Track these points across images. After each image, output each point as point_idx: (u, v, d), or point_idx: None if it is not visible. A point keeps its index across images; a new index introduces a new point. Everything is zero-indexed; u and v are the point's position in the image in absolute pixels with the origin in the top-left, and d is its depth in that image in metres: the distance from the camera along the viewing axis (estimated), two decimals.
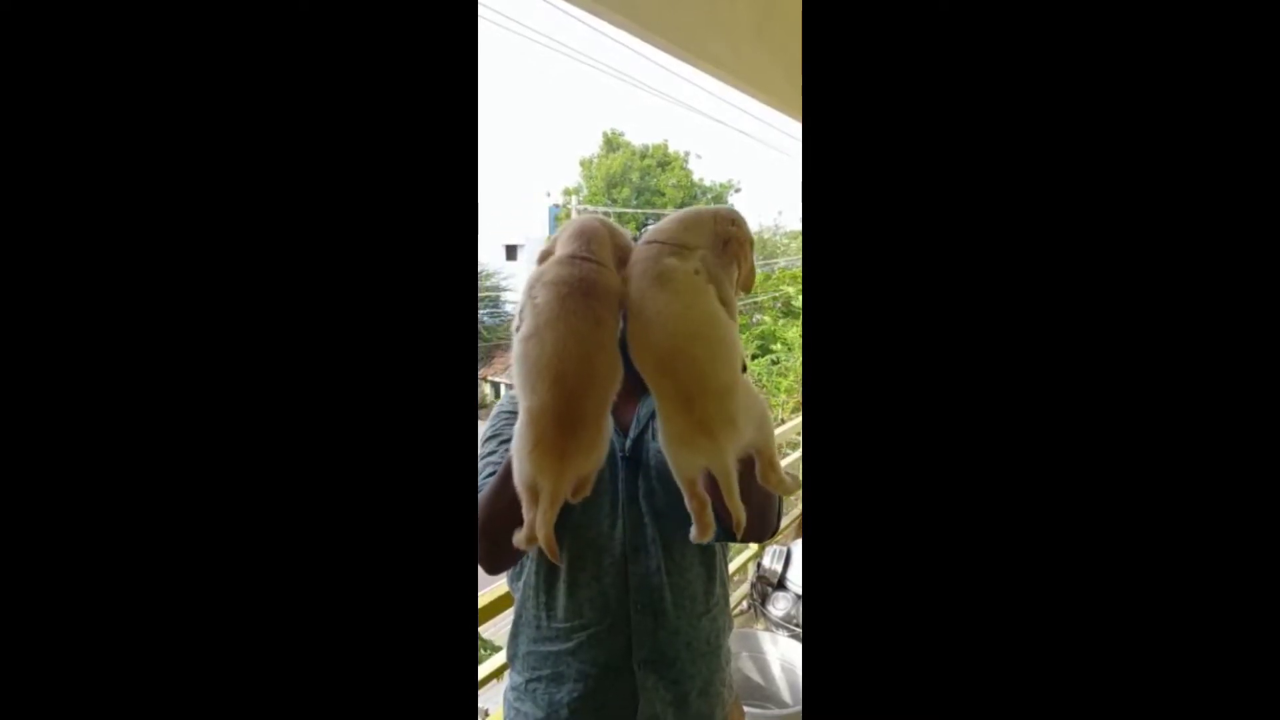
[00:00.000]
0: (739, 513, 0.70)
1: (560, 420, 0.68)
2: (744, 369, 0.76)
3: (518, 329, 0.72)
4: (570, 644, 0.87)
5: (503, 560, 0.87)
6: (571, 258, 0.73)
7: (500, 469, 0.79)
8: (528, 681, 0.90)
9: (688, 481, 0.71)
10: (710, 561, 0.93)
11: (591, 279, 0.72)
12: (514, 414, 0.91)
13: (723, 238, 0.78)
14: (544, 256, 0.78)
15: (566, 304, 0.69)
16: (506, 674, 0.97)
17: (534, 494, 0.68)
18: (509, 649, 0.95)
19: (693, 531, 0.72)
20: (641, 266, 0.74)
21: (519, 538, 0.70)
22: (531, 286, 0.73)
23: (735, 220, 0.80)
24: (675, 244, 0.75)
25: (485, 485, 0.83)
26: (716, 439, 0.67)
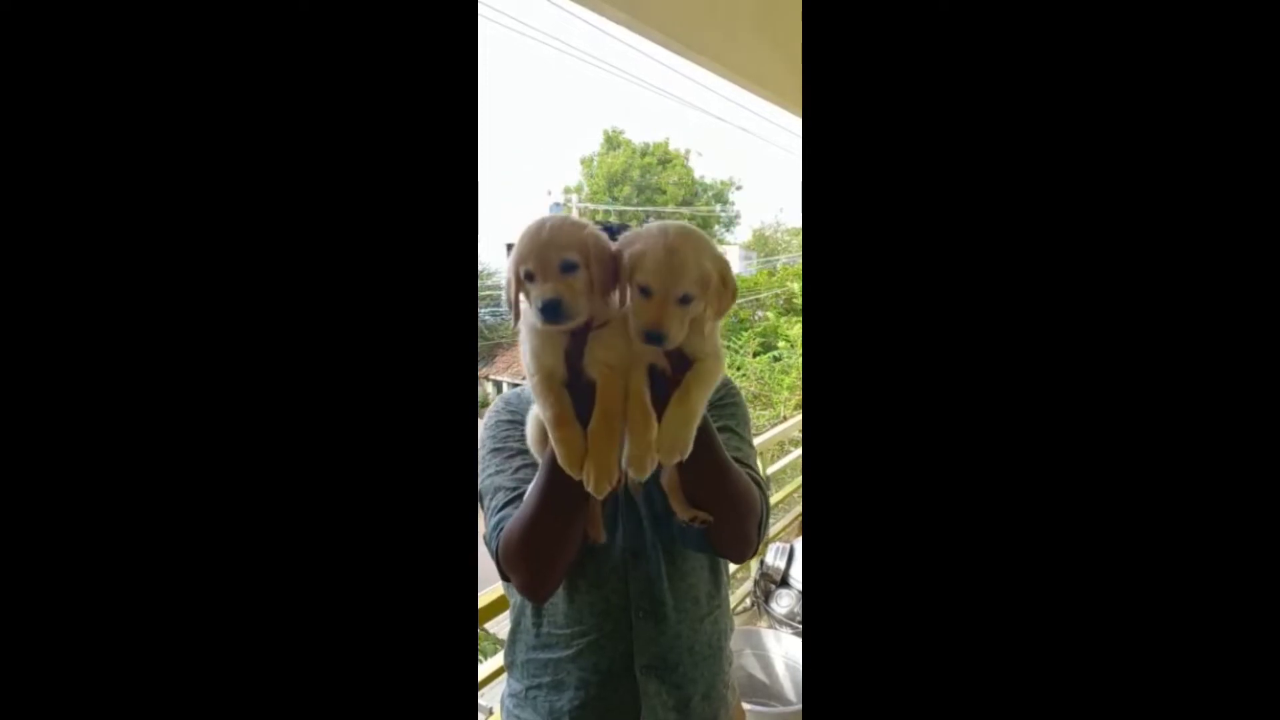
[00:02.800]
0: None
1: None
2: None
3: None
4: (570, 650, 0.86)
5: (553, 580, 0.83)
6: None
7: (542, 483, 0.75)
8: (528, 689, 0.89)
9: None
10: (714, 563, 0.93)
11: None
12: (516, 423, 0.89)
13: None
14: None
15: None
16: (504, 679, 0.97)
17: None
18: (506, 655, 0.94)
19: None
20: None
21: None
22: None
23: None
24: None
25: (516, 504, 0.80)
26: None
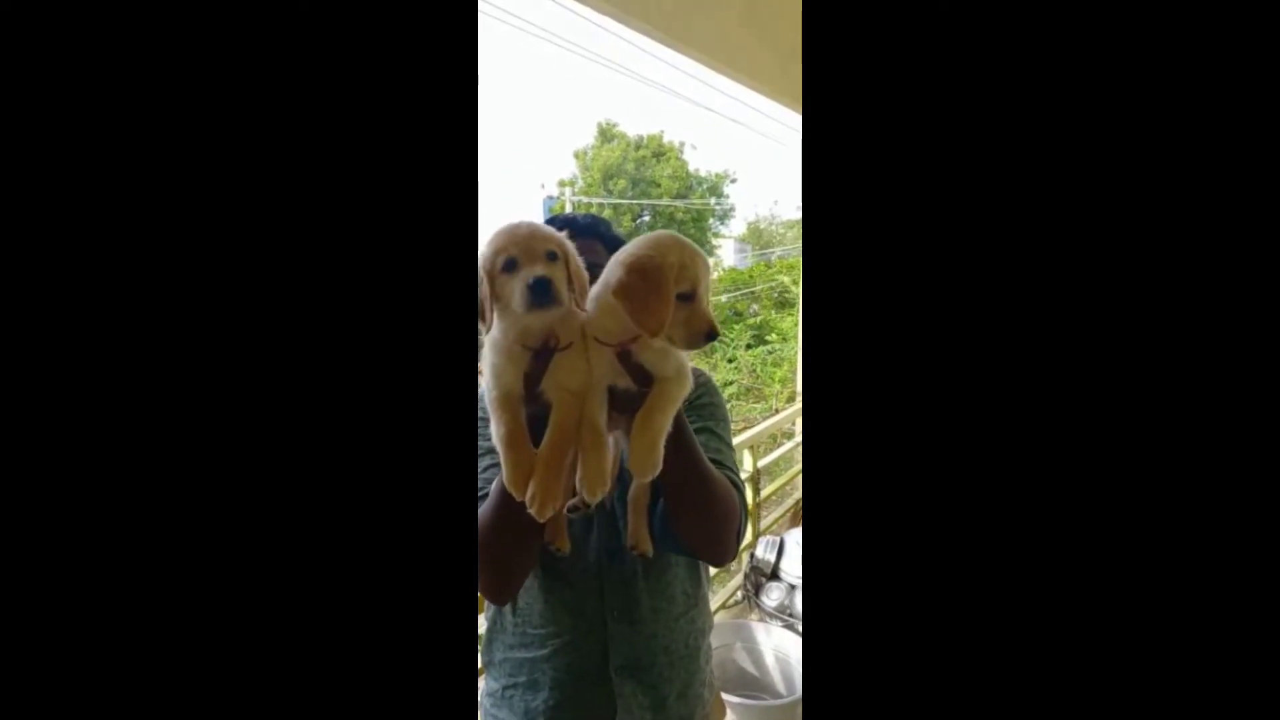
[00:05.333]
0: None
1: None
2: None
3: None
4: (545, 650, 0.86)
5: (511, 586, 0.84)
6: None
7: (496, 496, 0.75)
8: (504, 688, 0.90)
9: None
10: (692, 561, 0.92)
11: None
12: (485, 421, 0.89)
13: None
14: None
15: None
16: (482, 678, 0.97)
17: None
18: (484, 654, 0.94)
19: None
20: None
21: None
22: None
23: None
24: None
25: (479, 504, 0.80)
26: None
